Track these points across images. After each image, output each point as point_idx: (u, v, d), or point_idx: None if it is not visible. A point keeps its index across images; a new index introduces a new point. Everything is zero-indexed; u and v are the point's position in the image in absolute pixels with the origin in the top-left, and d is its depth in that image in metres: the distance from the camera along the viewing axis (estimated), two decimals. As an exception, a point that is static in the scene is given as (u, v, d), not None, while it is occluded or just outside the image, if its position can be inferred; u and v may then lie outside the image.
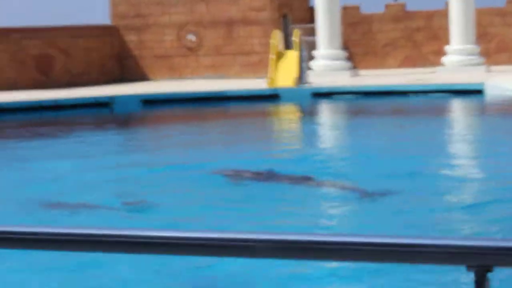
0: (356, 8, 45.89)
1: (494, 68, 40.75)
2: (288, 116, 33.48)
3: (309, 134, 29.01)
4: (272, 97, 37.27)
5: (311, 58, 41.72)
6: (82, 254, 8.62)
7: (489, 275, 2.45)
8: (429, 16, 45.58)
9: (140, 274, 11.35)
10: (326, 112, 33.20)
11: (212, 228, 12.65)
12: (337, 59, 42.25)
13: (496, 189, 17.85)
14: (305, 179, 18.62)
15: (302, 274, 10.89)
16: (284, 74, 38.64)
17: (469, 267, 2.48)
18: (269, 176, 17.84)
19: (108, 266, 11.35)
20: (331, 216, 15.99)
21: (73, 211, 16.75)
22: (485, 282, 2.46)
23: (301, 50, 38.93)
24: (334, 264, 10.49)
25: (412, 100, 35.56)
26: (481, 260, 2.48)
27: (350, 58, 43.18)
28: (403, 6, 46.06)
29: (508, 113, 30.40)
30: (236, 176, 18.07)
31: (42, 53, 43.74)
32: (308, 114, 33.08)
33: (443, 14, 43.38)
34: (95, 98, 37.16)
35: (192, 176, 19.54)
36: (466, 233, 14.04)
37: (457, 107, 32.81)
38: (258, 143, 26.71)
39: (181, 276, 11.54)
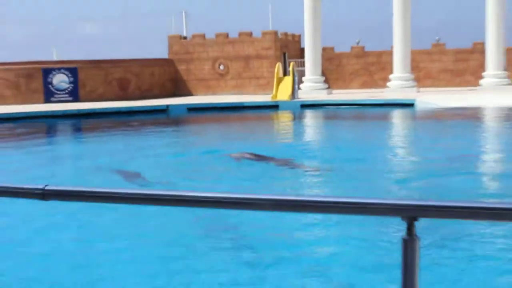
0: (331, 49, 46.16)
1: (422, 89, 41.08)
2: (284, 119, 34.33)
3: (297, 131, 30.00)
4: (274, 106, 38.87)
5: (300, 81, 42.36)
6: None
7: (415, 223, 2.53)
8: (379, 54, 45.29)
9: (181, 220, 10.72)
10: (309, 117, 33.56)
11: (231, 189, 13.87)
12: (318, 82, 42.54)
13: (419, 167, 17.71)
14: (292, 160, 18.27)
15: (291, 222, 10.34)
16: (282, 92, 39.53)
17: (402, 218, 2.53)
18: (269, 156, 17.94)
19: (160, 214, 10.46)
20: (307, 183, 15.48)
21: (143, 179, 15.88)
22: (413, 228, 2.52)
23: (294, 76, 39.90)
24: (309, 216, 10.09)
25: (367, 110, 36.45)
26: (410, 213, 2.53)
27: (326, 81, 43.57)
28: (362, 47, 46.47)
29: (429, 118, 31.86)
30: (248, 156, 18.09)
31: (122, 76, 44.09)
32: (297, 118, 33.86)
33: (389, 53, 43.18)
34: (156, 106, 38.11)
35: (218, 156, 19.07)
36: (399, 195, 13.38)
37: (397, 115, 33.14)
38: (263, 136, 27.25)
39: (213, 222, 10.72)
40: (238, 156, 18.83)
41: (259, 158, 18.30)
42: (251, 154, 18.69)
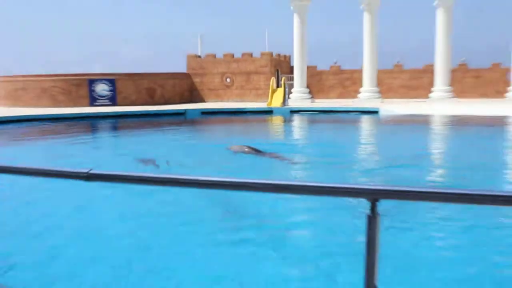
0: (314, 67, 46.19)
1: (385, 100, 40.85)
2: (276, 122, 33.86)
3: (287, 131, 29.48)
4: (269, 112, 38.55)
5: (290, 92, 41.95)
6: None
7: (377, 203, 2.52)
8: (352, 72, 45.40)
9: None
10: (297, 120, 33.28)
11: (230, 173, 13.37)
12: (303, 93, 42.54)
13: (380, 159, 17.65)
14: (280, 152, 17.99)
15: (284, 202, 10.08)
16: (276, 100, 39.61)
17: (367, 199, 2.53)
18: (261, 150, 17.78)
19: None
20: (292, 171, 15.32)
21: (165, 164, 15.93)
22: (375, 207, 2.51)
23: (285, 88, 39.84)
24: (293, 197, 9.63)
25: (342, 115, 35.77)
26: (373, 196, 2.52)
27: (310, 93, 43.30)
28: (339, 66, 46.49)
29: (390, 123, 31.51)
30: (245, 148, 17.98)
31: (149, 86, 44.03)
32: (287, 121, 33.40)
33: (360, 71, 43.30)
34: (177, 110, 37.68)
35: (222, 148, 18.94)
36: (364, 181, 13.21)
37: (365, 119, 32.84)
38: (260, 134, 27.10)
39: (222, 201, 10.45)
40: (236, 148, 18.83)
41: (253, 150, 18.19)
42: (246, 147, 18.70)
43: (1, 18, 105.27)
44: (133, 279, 6.94)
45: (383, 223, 2.59)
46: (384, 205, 2.55)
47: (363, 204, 2.58)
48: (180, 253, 7.88)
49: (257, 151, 18.12)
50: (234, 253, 7.84)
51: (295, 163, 17.06)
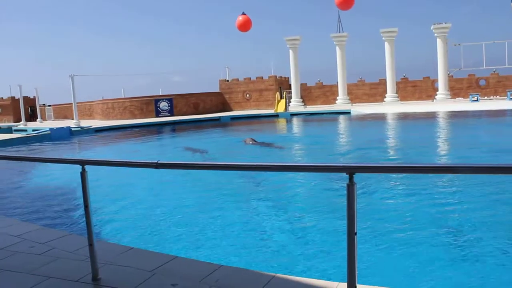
0: (305, 84, 45.06)
1: (354, 104, 39.47)
2: (281, 122, 33.17)
3: (288, 129, 28.80)
4: (276, 115, 37.57)
5: (289, 102, 40.94)
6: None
7: (354, 176, 2.44)
8: (331, 86, 44.32)
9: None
10: (295, 120, 32.79)
11: (244, 157, 14.19)
12: (298, 102, 41.92)
13: (352, 144, 17.59)
14: (283, 145, 17.73)
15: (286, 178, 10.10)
16: (280, 107, 39.33)
17: (346, 173, 2.44)
18: (269, 143, 17.52)
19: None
20: (291, 155, 15.17)
21: (205, 152, 15.77)
22: (352, 179, 2.43)
23: (286, 99, 38.83)
24: (293, 174, 9.83)
25: (325, 116, 34.44)
26: (350, 170, 2.43)
27: (303, 101, 42.31)
28: (321, 83, 45.18)
29: (358, 119, 30.53)
30: (250, 141, 17.70)
31: (195, 102, 43.77)
32: (289, 121, 32.89)
33: (336, 85, 41.95)
34: (214, 117, 37.51)
35: (239, 141, 18.63)
36: (343, 159, 13.17)
37: (341, 118, 31.87)
38: (268, 131, 26.45)
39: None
40: (248, 140, 18.61)
41: (256, 142, 18.13)
42: (252, 139, 18.57)
43: (95, 55, 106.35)
44: (196, 223, 7.06)
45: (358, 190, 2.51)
46: (358, 176, 2.47)
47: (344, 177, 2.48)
48: (224, 209, 7.90)
49: (261, 143, 17.91)
50: (255, 208, 7.92)
51: (293, 149, 16.81)
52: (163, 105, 42.95)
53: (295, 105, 41.35)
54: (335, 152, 15.16)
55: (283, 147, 17.03)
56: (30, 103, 56.87)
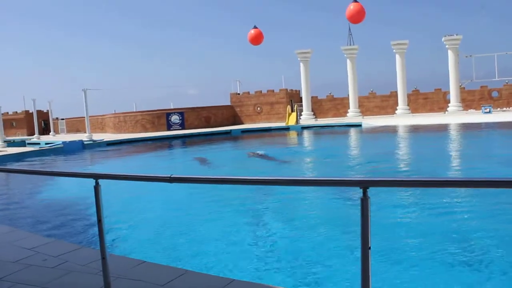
0: (316, 97, 45.50)
1: (365, 117, 39.46)
2: (292, 135, 32.90)
3: (300, 141, 28.68)
4: (286, 128, 37.62)
5: (300, 115, 41.06)
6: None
7: (368, 190, 2.40)
8: (342, 99, 44.67)
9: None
10: (306, 133, 32.57)
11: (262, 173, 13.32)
12: (309, 115, 42.27)
13: (365, 157, 17.20)
14: (294, 158, 17.64)
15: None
16: (291, 120, 39.32)
17: (360, 187, 2.41)
18: (281, 155, 17.48)
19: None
20: (302, 169, 15.09)
21: (213, 164, 15.84)
22: (366, 192, 2.39)
23: (297, 112, 38.79)
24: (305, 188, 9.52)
25: (336, 128, 34.86)
26: (364, 184, 2.39)
27: (314, 114, 42.39)
28: (332, 95, 45.37)
29: (369, 132, 30.62)
30: (251, 154, 17.68)
31: (206, 115, 44.07)
32: (299, 134, 32.70)
33: (347, 98, 42.08)
34: (225, 130, 37.84)
35: (243, 154, 18.73)
36: (357, 173, 12.78)
37: (352, 131, 31.52)
38: (280, 144, 26.34)
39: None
40: (250, 154, 18.57)
41: (258, 154, 18.28)
42: (253, 153, 18.64)
43: (108, 68, 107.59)
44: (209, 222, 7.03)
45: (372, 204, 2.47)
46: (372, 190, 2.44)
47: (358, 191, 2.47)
48: (237, 222, 7.89)
49: (264, 155, 17.92)
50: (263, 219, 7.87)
51: (303, 163, 16.66)
52: (175, 118, 43.23)
53: (306, 118, 41.49)
54: (347, 165, 15.00)
55: (293, 161, 16.89)
56: (43, 116, 57.75)
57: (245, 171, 14.44)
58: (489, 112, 33.86)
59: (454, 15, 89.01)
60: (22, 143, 35.41)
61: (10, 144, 32.65)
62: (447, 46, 37.63)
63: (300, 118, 40.61)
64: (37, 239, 5.61)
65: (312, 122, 39.76)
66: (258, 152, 18.34)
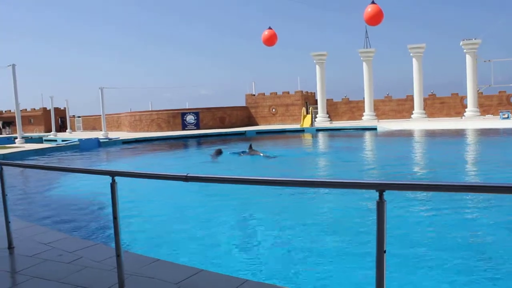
0: (332, 99, 45.37)
1: (380, 121, 39.28)
2: (307, 137, 32.55)
3: (314, 143, 28.42)
4: (301, 131, 37.55)
5: (315, 117, 40.79)
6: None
7: (384, 193, 2.44)
8: (357, 102, 44.56)
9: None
10: (321, 136, 32.32)
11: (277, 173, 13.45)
12: (325, 117, 41.63)
13: (381, 160, 17.03)
14: (309, 157, 17.82)
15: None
16: (306, 122, 39.35)
17: (376, 190, 2.45)
18: (295, 156, 17.48)
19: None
20: (315, 169, 15.07)
21: (226, 163, 15.83)
22: (382, 196, 2.43)
23: (312, 114, 38.59)
24: (323, 190, 9.54)
25: (352, 131, 34.44)
26: (380, 187, 2.44)
27: (329, 117, 42.20)
28: (348, 98, 45.44)
29: (385, 135, 30.40)
30: (282, 157, 17.65)
31: (221, 116, 44.32)
32: (314, 137, 32.40)
33: (362, 101, 41.96)
34: (240, 131, 37.87)
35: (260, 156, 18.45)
36: (373, 176, 12.66)
37: (367, 134, 31.42)
38: (294, 145, 26.22)
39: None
40: (252, 153, 18.52)
41: (258, 152, 18.38)
42: (255, 151, 18.48)
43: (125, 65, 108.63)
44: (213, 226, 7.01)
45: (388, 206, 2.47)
46: (388, 193, 2.45)
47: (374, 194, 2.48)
48: (251, 223, 7.86)
49: (292, 157, 17.79)
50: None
51: (317, 164, 16.49)
52: (190, 118, 43.49)
53: (321, 120, 41.20)
54: (362, 168, 14.83)
55: (307, 162, 16.82)
56: (60, 114, 58.58)
57: (264, 171, 14.33)
58: (508, 117, 33.30)
59: (472, 19, 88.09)
60: (39, 140, 35.95)
61: (28, 140, 33.26)
62: (465, 50, 37.09)
63: (315, 121, 40.46)
64: (53, 234, 5.70)
65: (327, 124, 39.58)
66: (256, 151, 18.42)
